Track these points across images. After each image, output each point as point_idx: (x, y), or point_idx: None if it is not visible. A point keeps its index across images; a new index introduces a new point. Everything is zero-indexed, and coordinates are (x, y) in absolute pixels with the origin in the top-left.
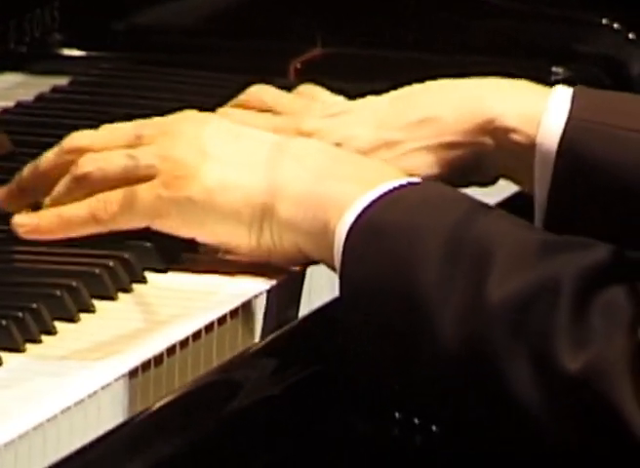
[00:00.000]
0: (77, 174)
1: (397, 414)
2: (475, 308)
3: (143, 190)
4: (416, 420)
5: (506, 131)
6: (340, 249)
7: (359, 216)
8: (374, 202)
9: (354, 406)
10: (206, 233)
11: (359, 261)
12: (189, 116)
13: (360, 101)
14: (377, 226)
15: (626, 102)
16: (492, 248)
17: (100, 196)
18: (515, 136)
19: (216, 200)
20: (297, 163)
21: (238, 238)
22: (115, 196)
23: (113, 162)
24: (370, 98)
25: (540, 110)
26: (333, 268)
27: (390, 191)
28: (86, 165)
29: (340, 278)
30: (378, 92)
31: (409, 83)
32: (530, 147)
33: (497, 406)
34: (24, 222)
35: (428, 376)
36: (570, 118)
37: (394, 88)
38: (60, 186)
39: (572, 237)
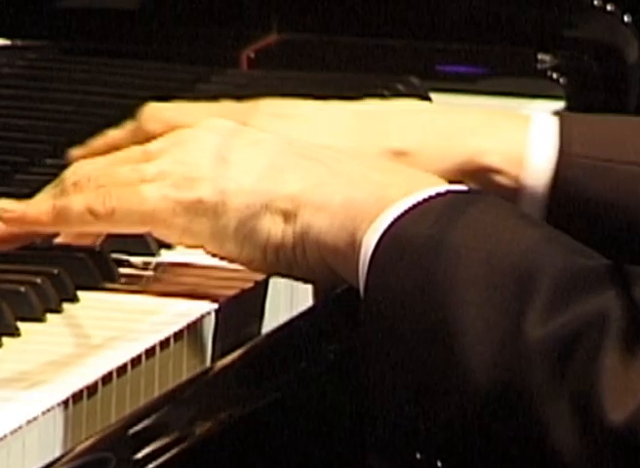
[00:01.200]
0: (69, 183)
1: (418, 455)
2: (514, 344)
3: (149, 188)
4: (439, 463)
5: (488, 171)
6: (367, 263)
7: (389, 227)
8: (406, 211)
9: (370, 444)
10: (215, 243)
11: (386, 278)
12: (204, 125)
13: (312, 106)
14: (408, 240)
15: (618, 129)
16: (535, 273)
17: (101, 190)
18: (499, 178)
19: (230, 204)
20: (324, 168)
21: (253, 250)
22: (117, 191)
23: (113, 175)
24: (325, 106)
25: (522, 146)
26: (356, 284)
27: (426, 200)
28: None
29: (364, 295)
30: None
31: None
32: (516, 189)
33: (531, 453)
34: (11, 208)
35: (456, 414)
36: (561, 155)
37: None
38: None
39: (624, 264)
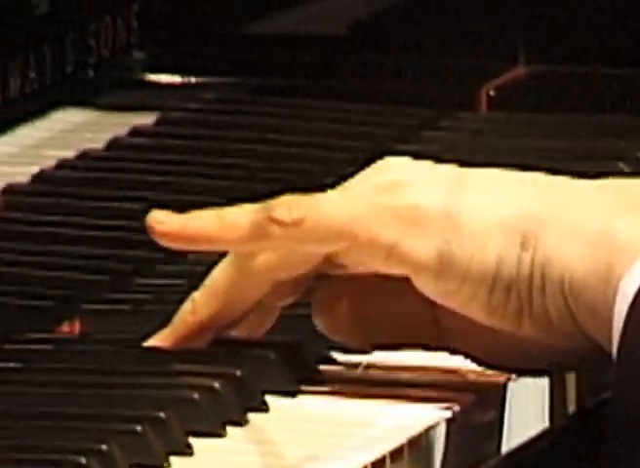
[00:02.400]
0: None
1: None
2: None
3: (348, 193)
4: None
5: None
6: (624, 311)
7: None
8: None
9: None
10: (429, 267)
11: None
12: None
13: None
14: None
15: None
16: None
17: (283, 199)
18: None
19: (458, 216)
20: (576, 199)
21: (479, 281)
22: (308, 197)
23: None
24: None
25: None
26: (607, 344)
27: None
28: None
29: (619, 352)
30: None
31: None
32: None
33: None
34: (167, 219)
35: None
36: None
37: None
38: None
39: None
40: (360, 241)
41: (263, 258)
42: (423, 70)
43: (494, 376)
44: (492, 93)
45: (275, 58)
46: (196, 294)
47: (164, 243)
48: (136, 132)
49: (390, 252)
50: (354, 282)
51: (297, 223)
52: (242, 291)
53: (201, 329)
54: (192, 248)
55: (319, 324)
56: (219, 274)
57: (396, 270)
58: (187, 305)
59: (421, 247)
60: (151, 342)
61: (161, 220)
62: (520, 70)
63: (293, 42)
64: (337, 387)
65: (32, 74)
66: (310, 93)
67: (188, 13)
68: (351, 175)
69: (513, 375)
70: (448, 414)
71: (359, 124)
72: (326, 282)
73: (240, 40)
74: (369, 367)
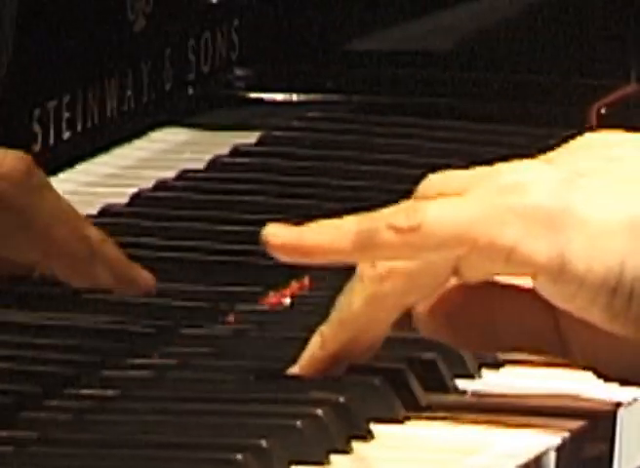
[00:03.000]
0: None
1: None
2: None
3: (465, 196)
4: None
5: None
6: None
7: None
8: None
9: None
10: (552, 266)
11: None
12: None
13: None
14: None
15: None
16: None
17: (399, 205)
18: None
19: (580, 216)
20: None
21: (599, 285)
22: (425, 202)
23: None
24: None
25: None
26: None
27: None
28: None
29: None
30: None
31: None
32: None
33: None
34: (281, 232)
35: None
36: None
37: None
38: None
39: None
40: (480, 244)
41: (390, 284)
42: (533, 88)
43: (605, 403)
44: (603, 110)
45: (380, 75)
46: (324, 328)
47: (280, 256)
48: (237, 151)
49: (510, 253)
50: (475, 289)
51: (414, 229)
52: (371, 321)
53: (331, 362)
54: (309, 261)
55: (433, 330)
56: (345, 305)
57: (516, 272)
58: (316, 339)
59: (543, 248)
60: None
61: (276, 233)
62: (631, 87)
63: (398, 59)
64: (444, 414)
65: (130, 92)
66: (416, 111)
67: (291, 29)
68: None
69: (625, 401)
70: (558, 442)
71: (466, 143)
72: (445, 292)
73: (344, 57)
74: (477, 393)
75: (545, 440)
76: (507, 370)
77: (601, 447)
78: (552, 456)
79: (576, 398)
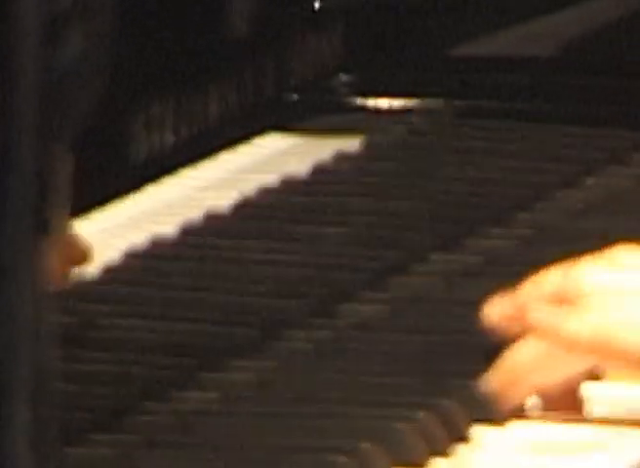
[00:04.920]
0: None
1: None
2: None
3: None
4: None
5: None
6: None
7: None
8: None
9: None
10: None
11: None
12: None
13: None
14: None
15: None
16: None
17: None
18: None
19: None
20: None
21: None
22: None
23: None
24: None
25: None
26: None
27: None
28: None
29: None
30: None
31: None
32: None
33: None
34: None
35: None
36: None
37: None
38: None
39: None
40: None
41: None
42: (633, 91)
43: None
44: None
45: (482, 81)
46: None
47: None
48: (340, 156)
49: None
50: None
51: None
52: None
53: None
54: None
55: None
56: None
57: None
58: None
59: None
60: None
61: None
62: None
63: (500, 64)
64: (545, 416)
65: (233, 98)
66: (518, 115)
67: (394, 35)
68: None
69: None
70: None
71: (568, 147)
72: None
73: (447, 62)
74: None
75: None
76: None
77: None
78: None
79: None
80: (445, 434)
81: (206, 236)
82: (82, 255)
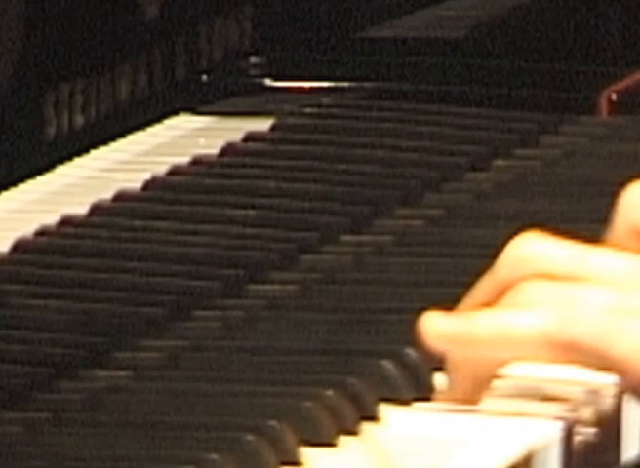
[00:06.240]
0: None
1: None
2: None
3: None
4: None
5: None
6: None
7: None
8: None
9: None
10: None
11: None
12: None
13: None
14: None
15: None
16: None
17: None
18: None
19: None
20: None
21: None
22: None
23: None
24: None
25: None
26: None
27: None
28: None
29: None
30: None
31: None
32: None
33: None
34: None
35: None
36: None
37: None
38: None
39: None
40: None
41: None
42: (543, 74)
43: (610, 387)
44: (613, 97)
45: (393, 62)
46: None
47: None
48: (250, 137)
49: None
50: None
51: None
52: None
53: None
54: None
55: None
56: None
57: None
58: None
59: None
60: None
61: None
62: None
63: (411, 46)
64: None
65: (143, 80)
66: (428, 97)
67: (304, 16)
68: None
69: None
70: (560, 426)
71: (478, 129)
72: None
73: (358, 44)
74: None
75: (552, 425)
76: None
77: (608, 433)
78: (557, 448)
79: (583, 384)
80: (354, 413)
81: (116, 216)
82: None
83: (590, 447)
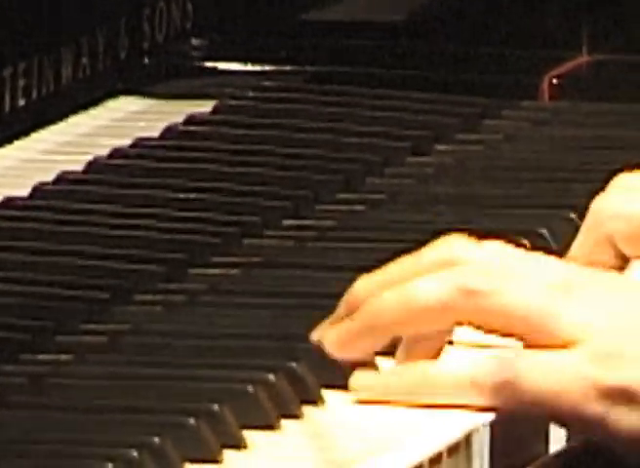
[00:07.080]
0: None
1: None
2: None
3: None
4: None
5: None
6: None
7: None
8: None
9: None
10: (637, 427)
11: None
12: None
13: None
14: None
15: None
16: None
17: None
18: None
19: None
20: None
21: None
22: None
23: None
24: None
25: None
26: None
27: None
28: None
29: None
30: None
31: None
32: None
33: None
34: (331, 333)
35: None
36: None
37: None
38: None
39: None
40: (564, 413)
41: None
42: (485, 58)
43: None
44: (554, 81)
45: (334, 46)
46: None
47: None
48: (191, 120)
49: (598, 424)
50: None
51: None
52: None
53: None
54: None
55: None
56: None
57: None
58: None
59: (632, 421)
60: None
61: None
62: (583, 59)
63: (352, 29)
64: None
65: (85, 61)
66: (369, 81)
67: None
68: None
69: None
70: (490, 418)
71: (419, 113)
72: None
73: (298, 27)
74: None
75: (480, 415)
76: None
77: (537, 422)
78: (486, 432)
79: None
80: (295, 396)
81: (57, 198)
82: None
83: (519, 435)
